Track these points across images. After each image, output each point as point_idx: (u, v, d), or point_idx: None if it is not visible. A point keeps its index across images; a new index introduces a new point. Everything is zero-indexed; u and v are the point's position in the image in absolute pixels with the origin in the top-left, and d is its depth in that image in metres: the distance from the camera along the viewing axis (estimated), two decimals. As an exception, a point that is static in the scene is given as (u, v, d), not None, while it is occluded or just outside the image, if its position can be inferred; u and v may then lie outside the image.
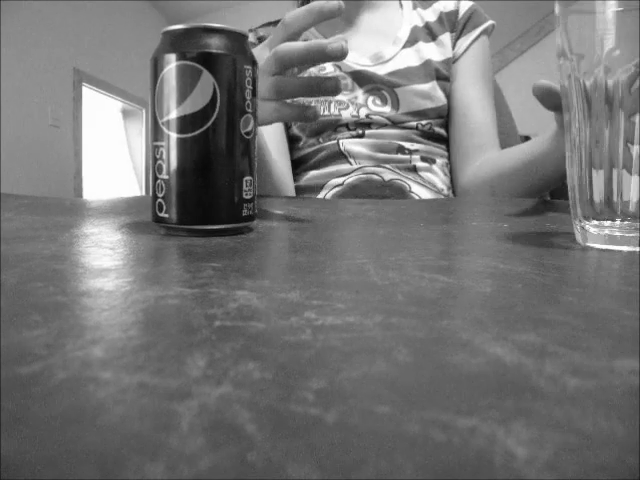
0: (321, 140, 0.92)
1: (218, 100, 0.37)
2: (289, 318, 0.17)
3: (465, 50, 0.95)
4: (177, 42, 0.38)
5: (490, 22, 0.96)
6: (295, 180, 0.94)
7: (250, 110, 0.39)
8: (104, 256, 0.30)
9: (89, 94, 4.17)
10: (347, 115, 0.91)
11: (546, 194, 0.84)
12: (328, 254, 0.31)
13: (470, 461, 0.09)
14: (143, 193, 4.53)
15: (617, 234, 0.33)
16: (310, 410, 0.11)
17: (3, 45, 3.18)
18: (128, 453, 0.09)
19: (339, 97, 0.92)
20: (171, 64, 0.37)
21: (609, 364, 0.14)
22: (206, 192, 0.38)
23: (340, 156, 0.91)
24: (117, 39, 4.33)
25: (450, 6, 0.97)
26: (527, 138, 1.78)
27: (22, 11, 3.34)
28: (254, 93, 0.40)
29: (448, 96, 0.95)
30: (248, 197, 0.40)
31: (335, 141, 0.91)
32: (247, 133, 0.39)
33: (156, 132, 0.39)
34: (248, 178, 0.40)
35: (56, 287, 0.22)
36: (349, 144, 0.90)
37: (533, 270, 0.27)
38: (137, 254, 0.31)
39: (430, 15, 0.97)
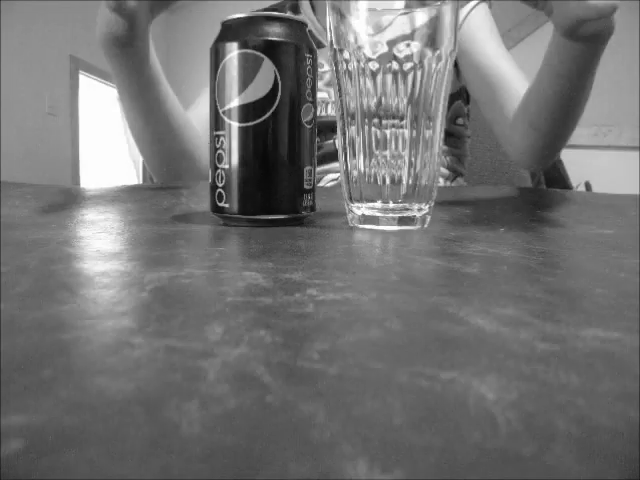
0: (319, 140, 0.92)
1: (279, 88, 0.37)
2: (293, 294, 0.19)
3: (464, 18, 0.89)
4: (238, 31, 0.38)
5: None
6: None
7: (310, 99, 0.39)
8: (114, 241, 0.32)
9: (86, 82, 4.17)
10: None
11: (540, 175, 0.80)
12: (328, 239, 0.33)
13: (448, 401, 0.11)
14: (141, 181, 4.53)
15: (377, 215, 0.38)
16: (315, 365, 0.13)
17: (0, 33, 3.18)
18: (167, 396, 0.11)
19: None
20: (232, 53, 0.37)
21: (575, 332, 0.16)
22: (269, 181, 0.38)
23: (335, 154, 0.91)
24: (113, 26, 4.31)
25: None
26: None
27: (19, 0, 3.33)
28: (314, 82, 0.40)
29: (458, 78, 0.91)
30: (309, 187, 0.40)
31: (332, 140, 0.92)
32: (308, 122, 0.39)
33: (217, 121, 0.39)
34: (309, 168, 0.40)
35: (75, 269, 0.24)
36: None
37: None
38: (145, 239, 0.33)
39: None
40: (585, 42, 0.59)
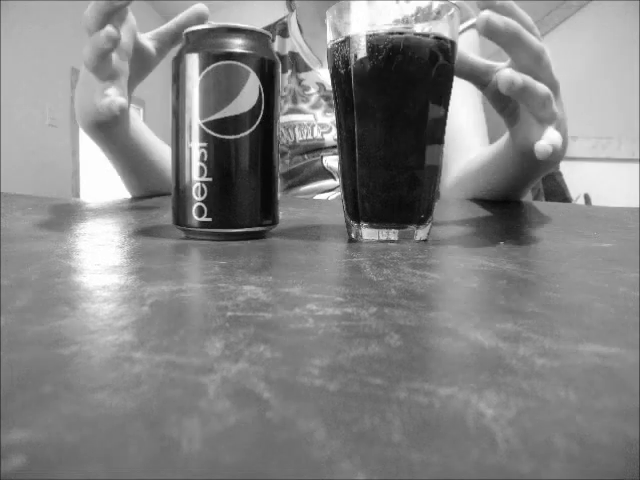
0: (306, 157, 0.92)
1: (263, 101, 0.37)
2: (293, 309, 0.19)
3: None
4: (219, 41, 0.37)
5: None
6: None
7: (280, 114, 0.40)
8: (114, 254, 0.32)
9: (86, 94, 4.18)
10: (330, 139, 0.89)
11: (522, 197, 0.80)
12: (327, 253, 0.33)
13: (447, 417, 0.11)
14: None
15: (377, 229, 0.38)
16: (315, 381, 0.13)
17: (1, 45, 3.20)
18: (168, 412, 0.11)
19: (322, 120, 0.90)
20: (214, 64, 0.36)
21: (574, 347, 0.16)
22: (256, 194, 0.38)
23: (324, 172, 0.91)
24: (115, 39, 4.35)
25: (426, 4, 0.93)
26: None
27: (20, 11, 3.35)
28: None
29: None
30: (278, 198, 0.41)
31: (319, 158, 0.91)
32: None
33: (194, 133, 0.37)
34: (277, 181, 0.40)
35: (75, 282, 0.24)
36: (331, 161, 0.90)
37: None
38: (145, 252, 0.33)
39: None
40: (534, 163, 0.58)
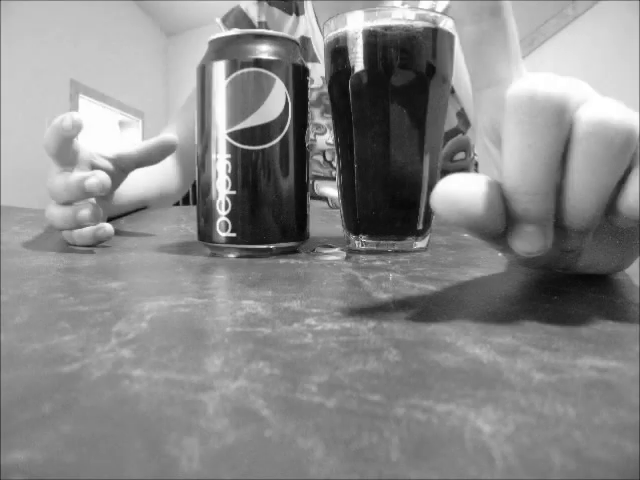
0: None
1: (290, 110, 0.36)
2: (292, 324, 0.19)
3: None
4: (239, 48, 0.36)
5: None
6: None
7: (309, 122, 0.38)
8: (114, 269, 0.32)
9: (86, 105, 4.20)
10: (322, 142, 0.87)
11: None
12: (326, 266, 0.33)
13: (445, 434, 0.11)
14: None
15: (376, 241, 0.39)
16: (314, 398, 0.13)
17: (1, 56, 3.21)
18: (167, 431, 0.11)
19: (318, 120, 0.87)
20: (238, 71, 0.35)
21: (573, 361, 0.16)
22: (283, 207, 0.36)
23: (317, 198, 0.89)
24: (114, 51, 4.37)
25: (426, 6, 0.86)
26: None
27: (19, 23, 3.37)
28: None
29: None
30: (308, 212, 0.39)
31: (310, 182, 0.89)
32: (309, 146, 0.38)
33: (217, 144, 0.36)
34: (308, 192, 0.39)
35: (76, 298, 0.24)
36: (323, 186, 0.88)
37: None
38: (144, 266, 0.33)
39: None
40: None
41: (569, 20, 3.61)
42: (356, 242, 0.39)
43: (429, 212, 0.39)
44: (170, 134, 0.51)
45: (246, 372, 0.14)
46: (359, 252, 0.38)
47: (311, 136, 0.86)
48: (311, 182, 0.88)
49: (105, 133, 4.66)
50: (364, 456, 0.10)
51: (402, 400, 0.13)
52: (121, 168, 0.53)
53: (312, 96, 0.88)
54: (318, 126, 0.87)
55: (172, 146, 0.50)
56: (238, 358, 0.16)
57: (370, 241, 0.38)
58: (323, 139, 0.86)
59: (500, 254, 0.29)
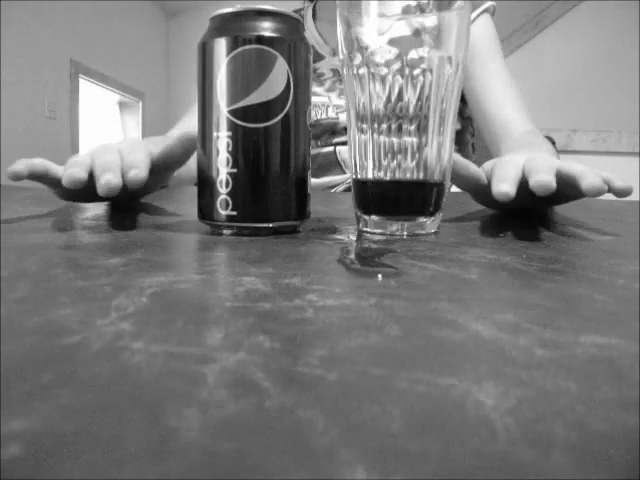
0: (319, 143, 0.92)
1: (292, 87, 0.35)
2: (293, 300, 0.19)
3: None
4: (241, 25, 0.35)
5: (490, 3, 0.92)
6: None
7: (311, 101, 0.38)
8: (114, 246, 0.32)
9: (86, 86, 4.17)
10: (344, 118, 0.90)
11: None
12: (329, 245, 0.33)
13: (446, 407, 0.11)
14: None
15: (386, 221, 0.38)
16: (315, 371, 0.13)
17: (0, 37, 3.19)
18: (167, 401, 0.11)
19: (337, 101, 0.91)
20: (240, 48, 0.35)
21: (574, 338, 0.16)
22: (284, 186, 0.36)
23: (335, 165, 0.91)
24: (114, 31, 4.33)
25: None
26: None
27: (19, 3, 3.33)
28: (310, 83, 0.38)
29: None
30: (309, 192, 0.39)
31: (332, 148, 0.91)
32: (311, 125, 0.38)
33: (219, 121, 0.35)
34: (309, 171, 0.38)
35: (75, 273, 0.24)
36: (344, 152, 0.91)
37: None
38: (143, 243, 0.33)
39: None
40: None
41: (571, 5, 3.57)
42: (367, 221, 0.39)
43: (441, 193, 0.39)
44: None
45: (246, 345, 0.14)
46: (370, 230, 0.38)
47: (332, 114, 0.91)
48: (333, 148, 0.91)
49: (105, 113, 4.63)
50: (365, 427, 0.10)
51: (404, 374, 0.13)
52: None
53: (326, 84, 0.94)
54: (338, 106, 0.92)
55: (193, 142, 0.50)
56: (238, 332, 0.15)
57: (380, 221, 0.38)
58: (344, 115, 0.92)
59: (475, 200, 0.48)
